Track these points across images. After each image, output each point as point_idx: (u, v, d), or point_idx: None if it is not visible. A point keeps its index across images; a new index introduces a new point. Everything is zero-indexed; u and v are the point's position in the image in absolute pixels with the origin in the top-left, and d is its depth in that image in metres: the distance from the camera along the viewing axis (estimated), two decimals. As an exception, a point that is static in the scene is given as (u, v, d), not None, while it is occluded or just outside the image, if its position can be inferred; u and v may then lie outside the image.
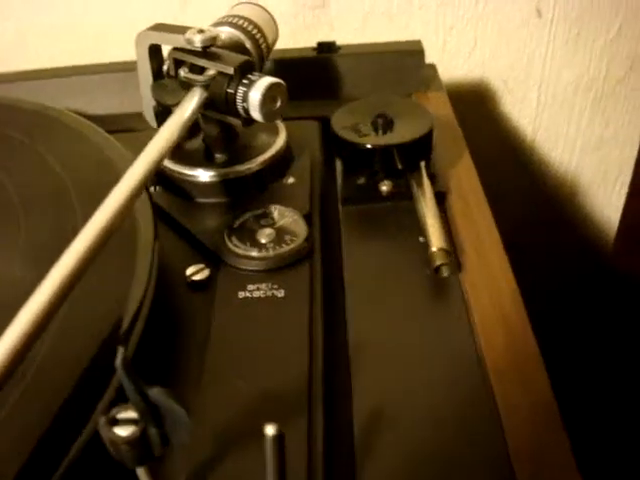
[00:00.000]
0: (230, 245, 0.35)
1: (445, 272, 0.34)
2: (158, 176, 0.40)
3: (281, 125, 0.41)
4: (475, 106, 0.65)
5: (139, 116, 0.40)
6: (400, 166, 0.38)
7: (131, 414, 0.22)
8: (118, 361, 0.20)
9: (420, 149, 0.39)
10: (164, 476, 0.25)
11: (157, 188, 0.39)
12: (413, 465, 0.26)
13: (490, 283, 0.35)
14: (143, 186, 0.30)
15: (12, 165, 0.37)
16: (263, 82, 0.34)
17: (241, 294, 0.33)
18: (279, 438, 0.21)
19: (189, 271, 0.34)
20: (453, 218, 0.38)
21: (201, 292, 0.33)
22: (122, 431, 0.21)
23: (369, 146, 0.38)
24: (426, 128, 0.38)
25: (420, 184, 0.38)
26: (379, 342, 0.31)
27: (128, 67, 0.42)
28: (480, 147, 0.65)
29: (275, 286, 0.33)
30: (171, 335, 0.32)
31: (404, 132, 0.38)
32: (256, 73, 0.35)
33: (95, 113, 0.49)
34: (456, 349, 0.31)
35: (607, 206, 0.73)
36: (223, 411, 0.27)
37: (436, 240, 0.34)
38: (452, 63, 0.63)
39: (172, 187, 0.39)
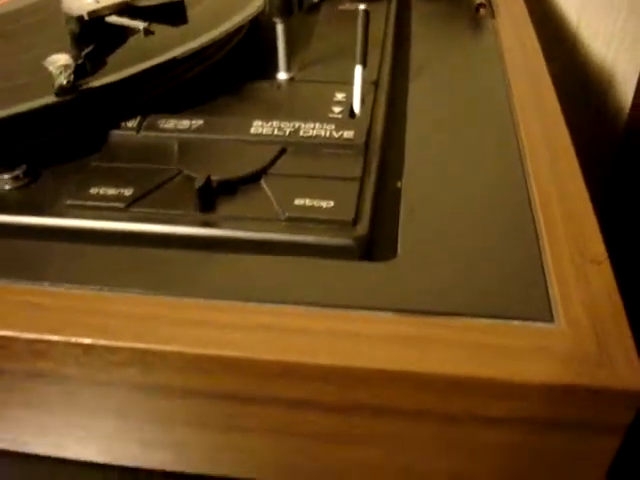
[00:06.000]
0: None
1: (483, 12, 0.48)
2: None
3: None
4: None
5: None
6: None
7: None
8: None
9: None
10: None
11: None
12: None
13: (517, 32, 0.48)
14: None
15: None
16: None
17: (340, 7, 0.48)
18: (367, 13, 0.36)
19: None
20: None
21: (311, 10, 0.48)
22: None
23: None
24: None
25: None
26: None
27: None
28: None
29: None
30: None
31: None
32: None
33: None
34: (489, 74, 0.43)
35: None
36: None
37: (478, -9, 0.48)
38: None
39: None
